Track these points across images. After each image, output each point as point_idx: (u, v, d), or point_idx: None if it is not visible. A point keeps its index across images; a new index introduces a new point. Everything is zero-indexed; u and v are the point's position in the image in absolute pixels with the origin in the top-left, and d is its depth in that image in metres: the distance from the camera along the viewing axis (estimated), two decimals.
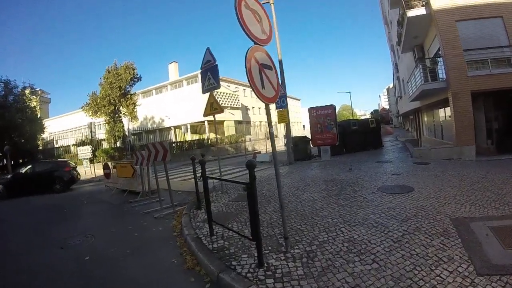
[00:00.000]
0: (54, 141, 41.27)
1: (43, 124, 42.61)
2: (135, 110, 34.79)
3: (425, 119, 28.77)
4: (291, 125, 66.84)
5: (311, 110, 18.85)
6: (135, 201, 12.23)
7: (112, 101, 31.95)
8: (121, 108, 33.46)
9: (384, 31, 48.56)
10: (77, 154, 27.70)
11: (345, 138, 20.47)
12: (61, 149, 35.01)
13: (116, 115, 33.28)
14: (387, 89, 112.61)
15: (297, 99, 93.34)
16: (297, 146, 19.53)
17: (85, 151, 26.70)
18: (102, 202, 12.98)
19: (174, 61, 55.26)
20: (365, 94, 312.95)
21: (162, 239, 6.91)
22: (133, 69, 33.13)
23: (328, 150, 17.93)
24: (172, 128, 48.10)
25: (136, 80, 33.97)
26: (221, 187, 11.83)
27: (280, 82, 18.15)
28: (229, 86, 52.89)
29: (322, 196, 8.59)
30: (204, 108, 11.56)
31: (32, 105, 39.22)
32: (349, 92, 75.16)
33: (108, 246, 6.54)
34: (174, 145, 36.63)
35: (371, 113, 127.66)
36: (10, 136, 33.13)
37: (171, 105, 48.69)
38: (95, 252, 6.29)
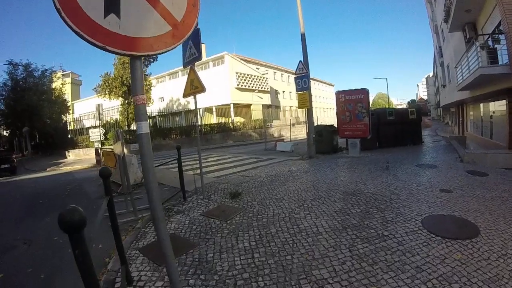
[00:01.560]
0: (81, 122, 40.41)
1: (68, 105, 42.46)
2: (149, 91, 32.69)
3: (471, 113, 25.43)
4: (322, 111, 64.25)
5: (338, 94, 15.42)
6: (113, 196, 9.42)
7: (125, 82, 29.78)
8: None
9: (426, 10, 44.14)
10: (89, 136, 25.57)
11: (379, 130, 16.96)
12: (84, 130, 33.43)
13: (130, 97, 30.75)
14: (426, 78, 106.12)
15: (330, 85, 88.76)
16: (321, 136, 16.23)
17: (96, 134, 24.69)
18: (82, 194, 11.48)
19: (201, 43, 51.60)
20: (402, 83, 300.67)
21: None
22: None
23: (358, 144, 14.57)
24: (198, 110, 45.30)
25: (151, 60, 31.66)
26: (204, 189, 8.77)
27: (303, 60, 15.10)
28: (258, 68, 49.95)
29: (331, 228, 5.34)
30: (187, 88, 8.47)
31: (55, 87, 38.86)
32: (386, 79, 69.95)
33: None
34: (192, 129, 33.85)
35: (408, 103, 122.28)
36: (30, 118, 32.84)
37: None
38: None
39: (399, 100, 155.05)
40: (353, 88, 14.97)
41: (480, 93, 16.66)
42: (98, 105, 24.51)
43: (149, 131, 2.85)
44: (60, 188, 12.91)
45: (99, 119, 23.80)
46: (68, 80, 67.67)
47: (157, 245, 5.08)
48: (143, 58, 2.78)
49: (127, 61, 29.01)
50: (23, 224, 7.99)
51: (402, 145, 17.76)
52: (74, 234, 1.89)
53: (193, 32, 7.73)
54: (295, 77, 15.00)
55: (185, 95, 8.67)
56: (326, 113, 78.53)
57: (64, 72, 68.13)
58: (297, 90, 14.93)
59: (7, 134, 48.47)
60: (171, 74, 52.47)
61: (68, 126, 36.09)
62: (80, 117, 44.91)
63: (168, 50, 2.63)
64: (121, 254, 4.00)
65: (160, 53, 2.56)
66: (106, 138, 27.00)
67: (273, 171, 11.60)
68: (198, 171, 9.04)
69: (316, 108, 66.73)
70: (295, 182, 9.27)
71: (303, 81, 14.57)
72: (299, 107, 15.23)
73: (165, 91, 51.96)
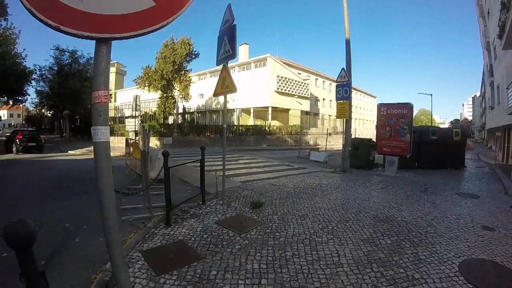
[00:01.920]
0: (122, 111, 41.23)
1: (110, 93, 43.58)
2: (188, 87, 32.66)
3: None
4: (362, 123, 62.91)
5: (380, 107, 14.52)
6: (132, 188, 9.50)
7: (165, 75, 29.97)
8: (174, 84, 31.59)
9: (478, 25, 42.19)
10: (125, 126, 25.88)
11: (419, 149, 15.97)
12: (124, 119, 34.00)
13: (169, 91, 31.25)
14: (472, 97, 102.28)
15: (372, 96, 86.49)
16: (357, 150, 15.47)
17: (132, 124, 25.08)
18: None
19: (245, 43, 52.13)
20: (447, 101, 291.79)
21: None
22: (189, 44, 30.81)
23: (396, 163, 13.69)
24: (235, 110, 45.30)
25: (193, 56, 31.83)
26: (225, 194, 8.37)
27: (346, 68, 14.41)
28: (299, 73, 49.28)
29: (355, 260, 4.65)
30: (218, 86, 8.03)
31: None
32: (431, 95, 67.25)
33: None
34: (229, 129, 33.67)
35: (451, 122, 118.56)
36: (72, 102, 34.05)
37: (237, 87, 45.21)
38: None
39: (442, 119, 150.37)
40: (397, 102, 14.09)
41: None
42: (136, 96, 24.76)
43: (109, 139, 2.26)
44: (87, 173, 12.83)
45: (135, 110, 23.95)
46: (113, 69, 69.24)
47: (162, 251, 4.87)
48: (113, 42, 2.18)
49: (168, 56, 29.16)
50: (42, 205, 7.89)
51: (442, 168, 16.70)
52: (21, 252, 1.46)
53: (229, 28, 7.33)
54: (336, 85, 14.36)
55: (215, 94, 8.26)
56: (365, 125, 76.78)
57: (110, 62, 70.05)
58: (337, 98, 14.27)
59: (49, 115, 50.21)
60: (213, 72, 52.27)
61: (124, 114, 37.03)
62: (121, 105, 45.60)
63: (147, 33, 2.04)
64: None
65: (135, 36, 1.97)
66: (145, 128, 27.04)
67: (302, 182, 10.99)
68: (230, 172, 8.56)
69: (355, 119, 65.33)
70: (323, 198, 8.61)
71: (344, 90, 13.88)
72: (338, 116, 14.57)
73: (205, 88, 51.98)
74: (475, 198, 9.70)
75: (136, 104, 23.60)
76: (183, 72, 31.29)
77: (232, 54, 7.33)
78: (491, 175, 15.97)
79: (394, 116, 13.85)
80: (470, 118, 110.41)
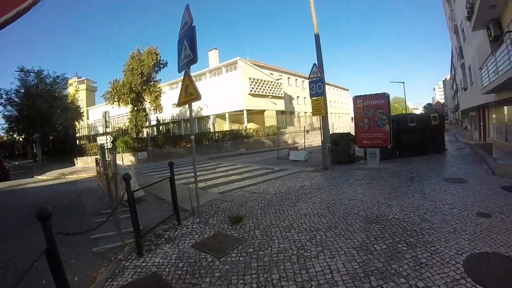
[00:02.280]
0: (95, 128, 40.15)
1: (81, 112, 42.37)
2: (159, 98, 31.72)
3: (493, 116, 24.02)
4: (337, 117, 62.96)
5: (356, 99, 14.15)
6: (105, 213, 9.13)
7: (133, 88, 29.07)
8: (144, 96, 30.67)
9: (444, 10, 42.59)
10: (97, 144, 24.85)
11: (399, 137, 15.61)
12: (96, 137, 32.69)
13: (139, 104, 30.35)
14: (443, 81, 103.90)
15: (345, 89, 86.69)
16: (336, 145, 15.02)
17: (103, 141, 24.09)
18: (78, 208, 10.56)
19: (214, 48, 51.48)
20: (418, 86, 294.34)
21: None
22: (156, 54, 29.98)
23: (377, 154, 13.32)
24: (210, 117, 44.54)
25: (161, 66, 31.03)
26: (201, 211, 7.80)
27: (317, 63, 13.96)
28: (271, 73, 49.03)
29: (350, 274, 4.10)
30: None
31: (68, 93, 39.22)
32: (403, 83, 67.92)
33: None
34: (205, 136, 32.90)
35: (424, 107, 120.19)
36: (41, 124, 33.08)
37: (210, 93, 44.95)
38: None
39: (416, 104, 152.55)
40: (373, 93, 13.74)
41: (509, 96, 15.39)
42: (105, 112, 23.92)
43: None
44: (58, 199, 12.13)
45: (106, 126, 23.10)
46: (83, 86, 67.61)
47: None
48: None
49: (135, 67, 28.32)
50: (10, 240, 7.34)
51: (424, 154, 16.52)
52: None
53: (189, 31, 6.73)
54: (309, 82, 13.87)
55: (179, 104, 7.74)
56: (341, 118, 76.96)
57: (79, 79, 68.67)
58: (311, 95, 13.79)
59: (21, 140, 48.72)
60: None
61: (77, 133, 35.97)
62: (94, 123, 44.48)
63: None
64: None
65: None
66: (115, 147, 26.20)
67: (284, 186, 10.44)
68: (201, 185, 7.95)
69: (331, 114, 65.33)
70: (307, 202, 8.06)
71: (317, 86, 13.41)
72: (314, 114, 14.09)
73: (178, 97, 51.01)
74: (463, 182, 9.35)
75: (106, 121, 22.70)
76: (152, 83, 30.40)
77: (193, 59, 6.75)
78: (473, 156, 15.78)
79: (371, 108, 13.47)
80: (442, 101, 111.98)
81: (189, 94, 7.19)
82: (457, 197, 7.65)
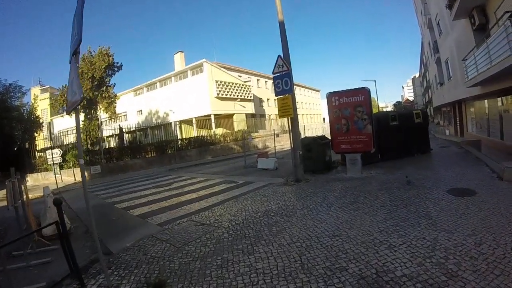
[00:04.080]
0: (60, 139, 36.38)
1: (40, 122, 38.22)
2: (114, 104, 28.54)
3: (472, 111, 22.52)
4: (309, 118, 60.94)
5: (331, 97, 11.61)
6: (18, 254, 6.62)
7: (84, 94, 25.38)
8: (98, 103, 27.38)
9: (414, 6, 41.77)
10: (47, 158, 21.56)
11: (380, 139, 13.04)
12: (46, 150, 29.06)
13: (92, 111, 27.12)
14: (412, 79, 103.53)
15: (316, 90, 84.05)
16: (310, 151, 12.50)
17: (55, 155, 21.01)
18: None
19: (179, 51, 48.33)
20: (386, 86, 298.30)
21: None
22: (109, 56, 26.72)
23: (359, 161, 10.86)
24: (177, 123, 41.67)
25: (115, 69, 27.78)
26: (124, 257, 5.36)
27: (282, 54, 11.47)
28: (240, 76, 46.39)
29: None
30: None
31: (19, 104, 35.46)
32: (374, 81, 66.05)
33: None
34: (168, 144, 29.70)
35: (394, 105, 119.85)
36: None
37: (176, 98, 42.66)
38: None
39: (386, 103, 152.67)
40: (350, 88, 11.27)
41: (496, 89, 13.60)
42: (49, 123, 20.98)
43: None
44: None
45: (51, 139, 20.11)
46: (46, 95, 62.59)
47: None
48: None
49: (85, 71, 25.23)
50: None
51: (408, 156, 14.40)
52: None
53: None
54: (274, 77, 11.28)
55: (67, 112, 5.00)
56: (313, 119, 74.84)
57: (43, 87, 63.41)
58: (277, 94, 11.25)
59: None
60: (149, 85, 48.90)
61: (36, 146, 31.95)
62: (58, 133, 40.50)
63: None
64: None
65: None
66: (64, 160, 23.07)
67: (243, 212, 7.78)
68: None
69: (302, 115, 63.30)
70: (271, 244, 5.41)
71: (283, 82, 10.88)
72: (280, 115, 11.52)
73: (143, 103, 48.45)
74: (472, 195, 7.13)
75: (50, 133, 19.72)
76: (104, 88, 27.10)
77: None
78: (464, 155, 13.90)
79: (349, 106, 11.01)
80: (411, 98, 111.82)
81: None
82: (476, 220, 5.42)
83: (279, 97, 11.20)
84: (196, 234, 6.54)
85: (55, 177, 20.34)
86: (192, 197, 11.18)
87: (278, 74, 11.05)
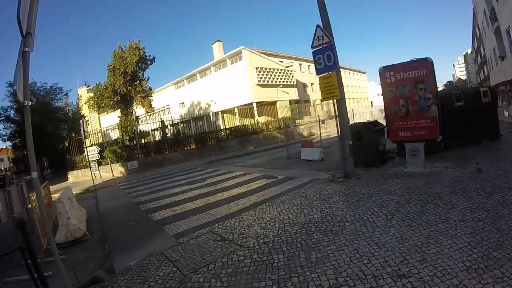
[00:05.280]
0: (108, 135, 36.39)
1: (86, 121, 38.27)
2: (150, 98, 27.62)
3: None
4: (356, 102, 57.91)
5: (385, 72, 9.42)
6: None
7: (118, 90, 25.11)
8: (133, 97, 26.50)
9: None
10: (87, 155, 20.87)
11: (443, 122, 10.74)
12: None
13: (128, 107, 26.40)
14: (464, 55, 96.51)
15: (362, 72, 79.68)
16: (360, 140, 10.49)
17: (93, 152, 20.63)
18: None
19: (217, 40, 47.21)
20: (436, 65, 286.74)
21: None
22: (139, 49, 25.71)
23: (421, 152, 8.77)
24: (219, 113, 40.42)
25: (148, 62, 26.88)
26: (123, 279, 3.67)
27: (322, 24, 9.57)
28: (281, 61, 44.14)
29: None
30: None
31: (65, 104, 36.13)
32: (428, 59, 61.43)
33: None
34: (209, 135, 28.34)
35: (445, 84, 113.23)
36: (36, 139, 28.89)
37: (217, 88, 41.52)
38: None
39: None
40: (407, 61, 9.12)
41: None
42: (82, 120, 20.08)
43: None
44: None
45: (84, 137, 19.21)
46: (92, 94, 63.93)
47: None
48: None
49: (117, 67, 24.59)
50: None
51: (475, 143, 11.92)
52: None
53: None
54: (313, 52, 9.34)
55: None
56: (360, 103, 71.18)
57: (89, 87, 64.86)
58: (318, 72, 9.37)
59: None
60: (189, 77, 48.19)
61: (84, 143, 32.00)
62: (106, 129, 40.60)
63: None
64: None
65: None
66: (103, 157, 22.33)
67: (277, 223, 6.01)
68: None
69: (348, 99, 60.23)
70: (307, 283, 3.65)
71: (326, 56, 8.92)
72: (324, 98, 9.64)
73: (185, 95, 47.86)
74: None
75: (83, 130, 18.79)
76: (138, 82, 26.14)
77: None
78: None
79: (407, 82, 8.87)
80: (464, 77, 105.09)
81: None
82: None
83: (321, 75, 9.28)
84: (212, 255, 4.99)
85: (92, 174, 19.57)
86: (222, 197, 9.59)
87: (319, 47, 9.10)
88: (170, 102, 51.32)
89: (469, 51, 77.27)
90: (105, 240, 7.15)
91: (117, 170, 22.15)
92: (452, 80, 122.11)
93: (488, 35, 32.06)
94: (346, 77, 65.13)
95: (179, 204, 9.50)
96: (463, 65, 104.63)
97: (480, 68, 58.66)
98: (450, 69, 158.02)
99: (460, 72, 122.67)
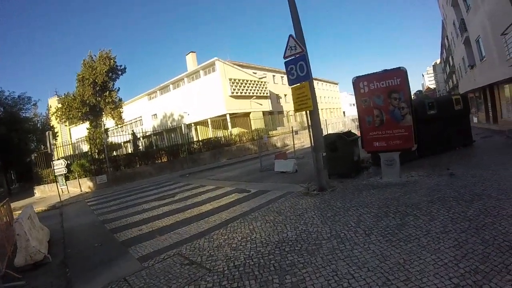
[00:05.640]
0: (79, 147, 35.08)
1: (55, 132, 36.88)
2: (120, 109, 26.88)
3: (507, 95, 20.38)
4: (329, 112, 58.24)
5: (358, 82, 9.21)
6: None
7: (87, 101, 24.18)
8: (103, 109, 25.62)
9: None
10: (53, 170, 19.80)
11: (416, 130, 10.74)
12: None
13: (98, 118, 25.52)
14: (433, 65, 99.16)
15: (334, 83, 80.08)
16: (335, 151, 10.22)
17: (59, 166, 19.39)
18: None
19: (191, 51, 46.41)
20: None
21: None
22: (110, 59, 25.01)
23: (397, 162, 8.56)
24: (192, 125, 39.83)
25: (119, 72, 26.23)
26: None
27: (295, 34, 9.31)
28: (255, 73, 44.05)
29: None
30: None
31: (34, 114, 34.69)
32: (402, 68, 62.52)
33: None
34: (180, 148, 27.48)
35: (415, 94, 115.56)
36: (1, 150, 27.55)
37: (190, 99, 40.71)
38: None
39: None
40: (381, 70, 8.93)
41: None
42: (48, 132, 19.19)
43: None
44: None
45: (50, 150, 18.38)
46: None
47: None
48: None
49: (87, 77, 23.69)
50: None
51: (449, 149, 12.11)
52: None
53: None
54: (285, 63, 9.05)
55: None
56: (333, 113, 71.67)
57: (60, 97, 62.95)
58: (291, 82, 9.08)
59: None
60: (162, 88, 47.23)
61: (53, 156, 30.56)
62: (77, 142, 39.13)
63: None
64: None
65: None
66: (70, 171, 21.39)
67: (248, 243, 5.60)
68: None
69: (321, 109, 60.51)
70: None
71: (298, 67, 8.67)
72: (297, 109, 9.33)
73: (157, 107, 46.84)
74: None
75: (49, 143, 17.96)
76: (107, 92, 25.28)
77: None
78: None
79: (382, 92, 8.69)
80: (433, 86, 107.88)
81: None
82: None
83: (294, 86, 9.00)
84: (178, 281, 4.59)
85: (58, 189, 18.69)
86: (192, 213, 9.08)
87: (291, 58, 8.83)
88: (142, 113, 50.28)
89: (438, 61, 79.44)
90: (67, 264, 6.57)
91: (86, 185, 21.22)
92: (421, 89, 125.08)
93: (457, 45, 32.93)
94: (319, 88, 65.52)
95: (147, 222, 8.95)
96: (432, 74, 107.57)
97: (448, 77, 60.29)
98: (420, 78, 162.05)
99: (429, 82, 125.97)
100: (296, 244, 5.14)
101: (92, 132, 24.96)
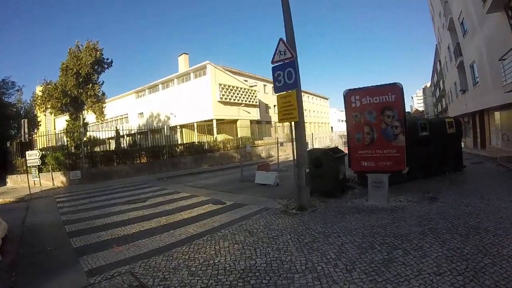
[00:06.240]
0: (62, 139, 33.89)
1: (38, 121, 35.62)
2: (102, 104, 25.68)
3: (496, 121, 20.50)
4: (317, 127, 57.79)
5: (351, 95, 8.62)
6: None
7: (69, 92, 23.12)
8: (84, 101, 24.47)
9: (431, 9, 39.39)
10: (25, 160, 18.81)
11: (407, 152, 10.15)
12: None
13: (78, 111, 24.47)
14: (423, 88, 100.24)
15: (324, 98, 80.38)
16: (319, 167, 9.53)
17: (33, 157, 18.60)
18: None
19: (184, 53, 45.86)
20: None
21: None
22: (97, 50, 24.01)
23: (385, 184, 7.89)
24: (178, 127, 39.07)
25: (105, 65, 25.24)
26: None
27: (286, 38, 8.59)
28: (246, 80, 43.69)
29: None
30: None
31: (18, 100, 33.52)
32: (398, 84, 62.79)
33: None
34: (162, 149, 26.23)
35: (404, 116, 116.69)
36: None
37: (178, 101, 40.13)
38: None
39: None
40: (375, 85, 8.29)
41: None
42: (23, 121, 18.15)
43: None
44: None
45: (24, 138, 17.43)
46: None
47: None
48: None
49: (71, 67, 22.71)
50: None
51: (439, 174, 11.65)
52: None
53: None
54: (273, 67, 8.34)
55: None
56: (321, 128, 71.57)
57: (42, 85, 61.43)
58: (277, 89, 8.35)
59: None
60: (151, 87, 46.42)
61: (35, 145, 29.24)
62: (59, 133, 37.82)
63: None
64: None
65: None
66: (44, 163, 20.32)
67: (209, 269, 4.76)
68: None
69: (309, 123, 60.15)
70: None
71: (286, 73, 7.96)
72: (281, 119, 8.56)
73: (145, 105, 46.15)
74: None
75: (24, 132, 16.98)
76: (90, 85, 24.15)
77: None
78: (509, 174, 11.32)
79: (374, 108, 8.07)
80: (421, 109, 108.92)
81: None
82: None
83: (280, 94, 8.28)
84: None
85: (29, 181, 17.64)
86: (158, 223, 8.21)
87: (280, 63, 8.13)
88: (129, 111, 49.37)
89: (428, 84, 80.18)
90: (15, 266, 5.78)
91: (59, 179, 20.11)
92: (410, 111, 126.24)
93: (450, 69, 32.99)
94: (309, 101, 65.37)
95: (108, 228, 8.09)
96: (422, 97, 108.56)
97: (438, 101, 60.73)
98: (409, 100, 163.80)
99: (418, 104, 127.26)
100: (264, 276, 4.34)
101: (71, 125, 23.84)
